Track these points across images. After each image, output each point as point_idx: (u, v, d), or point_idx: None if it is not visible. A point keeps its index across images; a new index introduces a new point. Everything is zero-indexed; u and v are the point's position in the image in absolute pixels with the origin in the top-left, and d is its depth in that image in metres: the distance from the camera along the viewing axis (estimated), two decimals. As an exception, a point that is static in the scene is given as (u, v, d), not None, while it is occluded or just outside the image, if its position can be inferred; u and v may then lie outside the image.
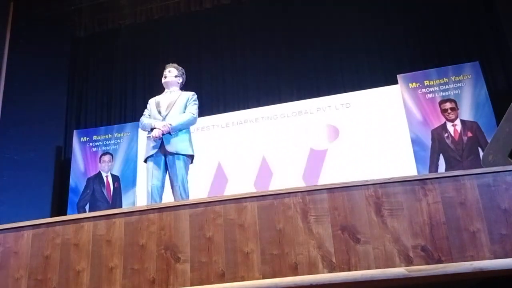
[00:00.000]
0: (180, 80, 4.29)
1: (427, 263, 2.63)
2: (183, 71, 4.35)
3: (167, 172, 4.02)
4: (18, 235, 3.24)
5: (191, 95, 4.21)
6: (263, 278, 2.75)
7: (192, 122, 4.11)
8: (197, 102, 4.20)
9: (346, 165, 5.94)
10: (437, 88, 5.98)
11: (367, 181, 2.88)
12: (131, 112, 7.23)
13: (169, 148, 3.96)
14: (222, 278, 2.81)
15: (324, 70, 6.72)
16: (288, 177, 6.12)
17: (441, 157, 5.66)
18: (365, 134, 6.09)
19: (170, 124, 3.98)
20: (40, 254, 3.15)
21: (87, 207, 6.64)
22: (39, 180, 6.56)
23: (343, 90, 6.51)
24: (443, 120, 5.83)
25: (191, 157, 4.08)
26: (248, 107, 6.76)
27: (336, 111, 6.36)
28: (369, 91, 6.32)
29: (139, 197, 6.54)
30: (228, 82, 7.05)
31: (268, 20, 7.11)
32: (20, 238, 3.23)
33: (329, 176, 5.86)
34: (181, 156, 3.97)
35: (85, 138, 7.06)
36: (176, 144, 3.99)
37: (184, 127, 4.07)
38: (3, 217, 5.50)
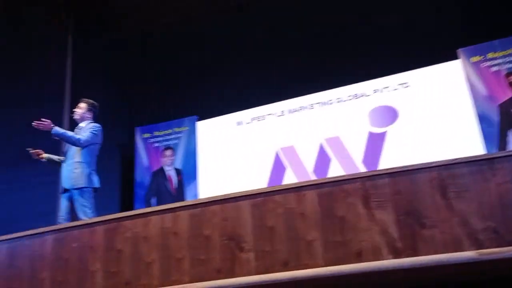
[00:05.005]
0: (89, 113, 4.56)
1: (499, 246, 2.51)
2: (92, 103, 4.62)
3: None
4: (92, 231, 3.44)
5: (91, 124, 4.44)
6: (326, 265, 2.75)
7: (74, 141, 4.26)
8: (92, 132, 4.34)
9: (407, 148, 5.76)
10: (502, 60, 5.62)
11: (430, 163, 2.78)
12: (188, 106, 7.32)
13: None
14: (286, 266, 2.84)
15: (378, 49, 6.47)
16: (347, 163, 6.04)
17: (511, 133, 5.35)
18: (426, 115, 5.86)
19: (53, 125, 4.19)
20: (113, 248, 3.33)
21: (153, 201, 6.92)
22: (106, 177, 6.87)
23: (401, 69, 6.27)
24: (510, 93, 5.49)
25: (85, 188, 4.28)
26: (302, 94, 6.70)
27: (394, 92, 6.17)
28: (428, 69, 6.06)
29: (201, 189, 6.72)
30: (281, 69, 6.94)
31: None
32: (94, 233, 3.43)
33: (390, 160, 5.71)
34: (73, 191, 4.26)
35: (146, 134, 7.34)
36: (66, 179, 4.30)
37: (64, 140, 4.33)
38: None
